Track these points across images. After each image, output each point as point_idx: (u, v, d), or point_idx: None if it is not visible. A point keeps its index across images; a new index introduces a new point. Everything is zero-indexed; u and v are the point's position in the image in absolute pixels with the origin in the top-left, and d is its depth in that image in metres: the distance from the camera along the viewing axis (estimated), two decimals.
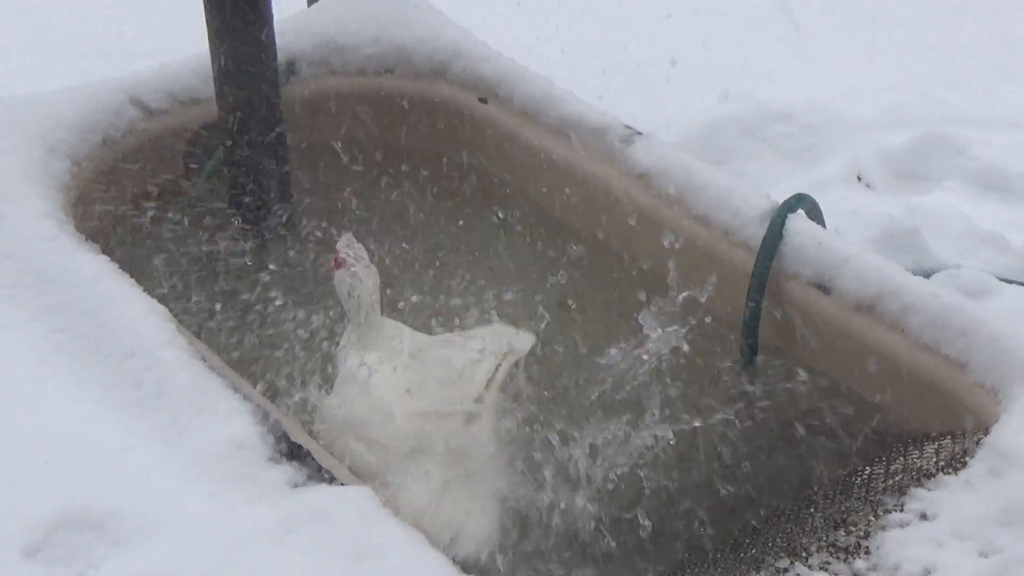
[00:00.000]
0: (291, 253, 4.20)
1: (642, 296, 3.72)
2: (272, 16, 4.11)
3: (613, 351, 3.61)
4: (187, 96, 4.47)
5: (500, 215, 4.32)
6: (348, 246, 3.58)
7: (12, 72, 6.26)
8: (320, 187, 4.55)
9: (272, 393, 3.54)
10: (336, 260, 3.55)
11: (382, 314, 3.61)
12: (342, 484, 2.90)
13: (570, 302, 4.03)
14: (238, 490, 2.89)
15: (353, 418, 3.38)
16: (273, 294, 3.84)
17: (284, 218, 4.31)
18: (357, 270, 3.54)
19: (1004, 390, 3.26)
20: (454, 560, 2.94)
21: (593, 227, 4.30)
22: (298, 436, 3.06)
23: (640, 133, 4.24)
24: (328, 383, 3.56)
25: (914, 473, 3.07)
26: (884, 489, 3.04)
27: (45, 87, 4.34)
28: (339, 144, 4.52)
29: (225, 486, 2.90)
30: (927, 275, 4.46)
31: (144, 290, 3.48)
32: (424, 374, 3.46)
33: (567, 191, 4.33)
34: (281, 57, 4.30)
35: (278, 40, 4.19)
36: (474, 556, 3.19)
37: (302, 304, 3.88)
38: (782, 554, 2.87)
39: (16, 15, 7.60)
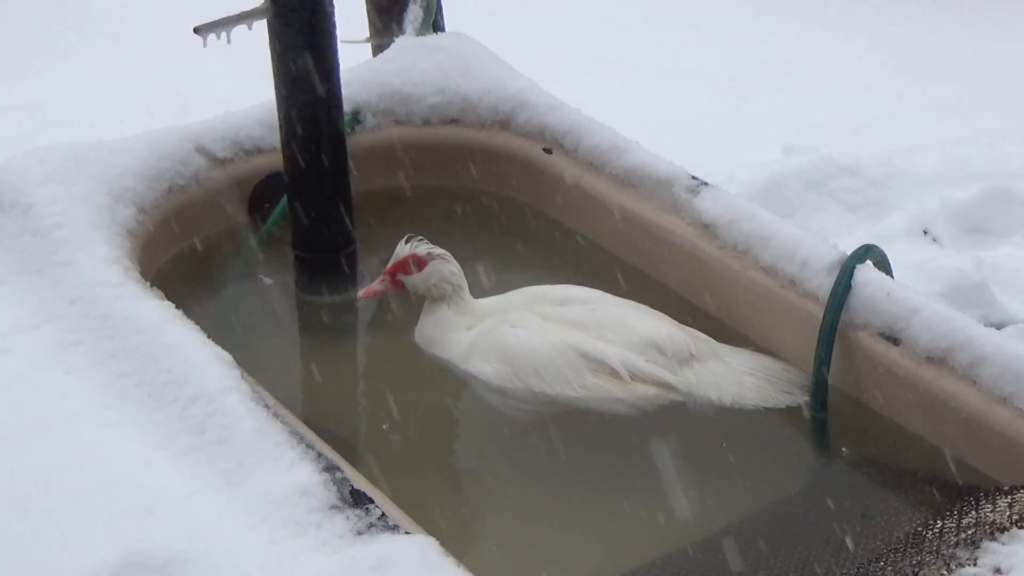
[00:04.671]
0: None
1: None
2: (338, 66, 4.13)
3: None
4: (252, 145, 4.50)
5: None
6: (415, 246, 3.77)
7: (80, 122, 6.36)
8: (384, 236, 4.55)
9: None
10: (418, 259, 3.74)
11: None
12: (406, 532, 2.88)
13: None
14: (300, 537, 2.87)
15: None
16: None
17: (347, 265, 4.31)
18: (442, 255, 3.77)
19: None
20: None
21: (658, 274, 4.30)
22: (361, 484, 3.04)
23: (706, 183, 4.21)
24: None
25: (987, 527, 3.02)
26: (957, 543, 2.99)
27: (112, 135, 4.37)
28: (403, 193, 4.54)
29: (287, 533, 2.88)
30: (996, 329, 4.40)
31: (209, 336, 3.49)
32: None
33: (634, 240, 4.32)
34: (346, 107, 4.32)
35: (343, 90, 4.20)
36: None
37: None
38: None
39: (84, 65, 7.73)
